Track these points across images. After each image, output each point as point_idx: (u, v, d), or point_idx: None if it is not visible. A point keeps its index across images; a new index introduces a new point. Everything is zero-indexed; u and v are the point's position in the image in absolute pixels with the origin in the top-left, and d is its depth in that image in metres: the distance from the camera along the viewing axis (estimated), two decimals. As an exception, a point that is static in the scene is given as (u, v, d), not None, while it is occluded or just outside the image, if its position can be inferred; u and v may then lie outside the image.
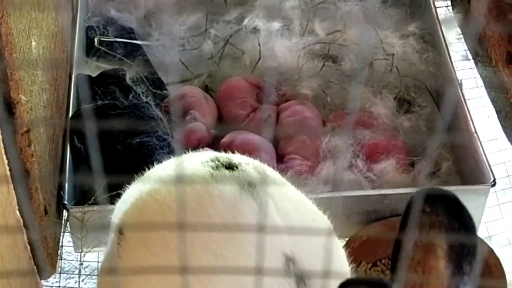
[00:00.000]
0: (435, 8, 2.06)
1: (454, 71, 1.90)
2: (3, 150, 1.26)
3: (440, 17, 2.04)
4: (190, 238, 1.03)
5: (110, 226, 1.24)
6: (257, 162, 1.22)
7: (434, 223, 0.84)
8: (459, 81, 1.88)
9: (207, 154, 1.22)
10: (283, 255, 1.04)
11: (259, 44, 1.98)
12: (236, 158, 1.19)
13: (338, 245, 1.20)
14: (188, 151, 1.59)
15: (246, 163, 1.18)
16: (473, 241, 0.83)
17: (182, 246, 1.00)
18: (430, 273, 0.84)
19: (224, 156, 1.19)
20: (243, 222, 1.05)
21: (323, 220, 1.16)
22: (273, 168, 1.37)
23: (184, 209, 1.05)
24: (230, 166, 1.15)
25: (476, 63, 2.01)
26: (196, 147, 1.77)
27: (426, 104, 1.93)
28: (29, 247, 1.43)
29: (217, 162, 1.16)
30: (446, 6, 2.18)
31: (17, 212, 1.34)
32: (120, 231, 1.14)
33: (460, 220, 0.83)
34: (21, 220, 1.38)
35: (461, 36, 2.10)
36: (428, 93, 1.95)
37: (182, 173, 1.10)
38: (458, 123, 1.84)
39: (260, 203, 1.08)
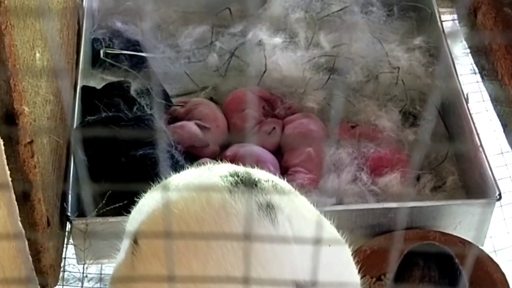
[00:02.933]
0: (441, 21, 2.06)
1: (460, 84, 1.89)
2: (5, 161, 1.25)
3: (446, 31, 2.04)
4: (204, 255, 1.02)
5: (125, 233, 1.22)
6: (276, 179, 1.20)
7: (425, 277, 0.85)
8: (465, 95, 1.87)
9: (226, 168, 1.19)
10: (295, 284, 1.02)
11: (265, 57, 1.98)
12: (255, 173, 1.17)
13: (354, 273, 1.17)
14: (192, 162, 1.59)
15: (266, 180, 1.15)
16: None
17: (195, 262, 0.99)
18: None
19: (243, 171, 1.16)
20: (258, 245, 1.03)
21: (339, 244, 1.14)
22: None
23: (201, 226, 1.04)
24: (249, 183, 1.13)
25: (482, 77, 2.00)
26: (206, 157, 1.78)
27: (432, 117, 1.92)
28: (31, 258, 1.43)
29: (236, 178, 1.13)
30: (452, 20, 2.18)
31: (19, 222, 1.34)
32: (135, 241, 1.13)
33: (451, 277, 0.84)
34: (23, 231, 1.38)
35: (467, 49, 2.09)
36: (434, 107, 1.95)
37: (201, 186, 1.09)
38: (463, 137, 1.83)
39: (278, 227, 1.07)
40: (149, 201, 1.19)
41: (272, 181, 1.16)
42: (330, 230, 1.16)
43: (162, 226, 1.09)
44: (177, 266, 1.02)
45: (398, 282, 0.87)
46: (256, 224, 1.05)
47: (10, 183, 1.28)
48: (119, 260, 1.19)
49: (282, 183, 1.20)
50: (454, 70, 1.92)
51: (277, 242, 1.03)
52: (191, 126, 1.86)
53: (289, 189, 1.20)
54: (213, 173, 1.18)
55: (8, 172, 1.27)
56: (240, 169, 1.18)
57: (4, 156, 1.25)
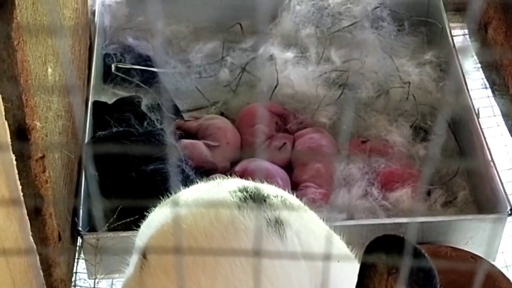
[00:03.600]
0: (452, 36, 2.06)
1: (471, 99, 1.89)
2: (17, 176, 1.26)
3: (457, 46, 2.04)
4: (213, 270, 1.02)
5: (134, 247, 1.22)
6: (285, 194, 1.19)
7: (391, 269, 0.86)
8: (476, 110, 1.87)
9: (235, 183, 1.19)
10: None
11: (276, 71, 1.99)
12: (264, 189, 1.16)
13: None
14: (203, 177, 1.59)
15: (275, 195, 1.15)
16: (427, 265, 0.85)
17: (204, 277, 0.99)
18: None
19: (252, 186, 1.16)
20: (267, 261, 1.03)
21: (348, 260, 1.13)
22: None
23: (210, 241, 1.04)
24: (258, 199, 1.12)
25: (493, 92, 2.00)
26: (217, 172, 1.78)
27: (442, 132, 1.92)
28: (42, 273, 1.43)
29: (245, 193, 1.13)
30: (463, 35, 2.18)
31: (31, 237, 1.34)
32: (144, 256, 1.13)
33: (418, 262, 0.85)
34: (35, 245, 1.38)
35: (478, 64, 2.09)
36: (444, 122, 1.94)
37: (210, 201, 1.09)
38: (475, 152, 1.83)
39: (286, 242, 1.06)
40: (158, 216, 1.19)
41: (281, 197, 1.16)
42: (339, 245, 1.15)
43: (171, 241, 1.09)
44: (186, 282, 1.02)
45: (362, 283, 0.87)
46: (264, 240, 1.05)
47: (22, 198, 1.28)
48: (128, 275, 1.19)
49: (291, 198, 1.20)
50: (465, 85, 1.92)
51: (286, 258, 1.03)
52: (200, 146, 1.86)
53: (298, 204, 1.20)
54: (222, 188, 1.18)
55: (20, 187, 1.27)
56: (249, 184, 1.18)
57: (16, 171, 1.25)
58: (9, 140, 1.21)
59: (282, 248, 1.05)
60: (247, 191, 1.14)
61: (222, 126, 1.92)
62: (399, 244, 0.85)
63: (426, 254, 0.86)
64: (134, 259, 1.18)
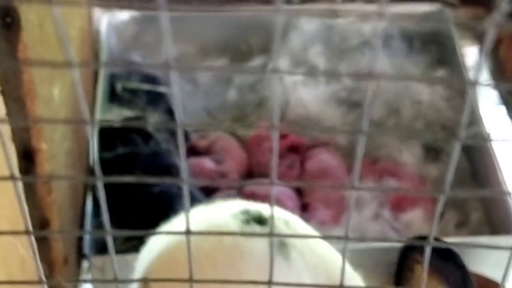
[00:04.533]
0: (463, 54, 2.04)
1: (482, 119, 1.87)
2: (23, 199, 1.24)
3: (468, 64, 2.02)
4: None
5: (134, 272, 1.20)
6: (288, 215, 1.17)
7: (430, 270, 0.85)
8: (488, 130, 1.85)
9: (237, 205, 1.15)
10: None
11: (285, 91, 1.97)
12: (266, 210, 1.13)
13: None
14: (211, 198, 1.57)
15: (277, 217, 1.13)
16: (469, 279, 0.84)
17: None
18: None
19: (254, 209, 1.12)
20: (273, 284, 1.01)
21: (354, 281, 1.11)
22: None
23: (214, 266, 1.01)
24: (260, 221, 1.09)
25: (507, 109, 1.97)
26: (220, 193, 1.76)
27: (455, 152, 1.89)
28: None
29: (247, 216, 1.10)
30: (474, 53, 2.15)
31: (38, 262, 1.32)
32: (145, 282, 1.10)
33: (453, 262, 0.84)
34: (42, 270, 1.36)
35: (491, 82, 2.07)
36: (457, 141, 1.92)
37: (211, 225, 1.07)
38: (487, 173, 1.80)
39: (291, 264, 1.04)
40: (160, 241, 1.16)
41: (284, 219, 1.13)
42: (345, 267, 1.13)
43: (174, 266, 1.07)
44: None
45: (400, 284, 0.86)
46: (269, 262, 1.02)
47: (30, 222, 1.26)
48: None
49: (295, 220, 1.17)
50: (476, 106, 1.89)
51: (305, 286, 1.00)
52: (207, 163, 1.84)
53: (302, 226, 1.18)
54: (223, 211, 1.14)
55: (27, 209, 1.25)
56: (251, 206, 1.14)
57: (22, 193, 1.23)
58: (15, 163, 1.19)
59: (288, 269, 1.03)
60: (249, 214, 1.10)
61: (227, 145, 1.90)
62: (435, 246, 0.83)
63: (458, 254, 0.85)
64: (134, 285, 1.16)
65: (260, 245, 1.04)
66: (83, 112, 0.41)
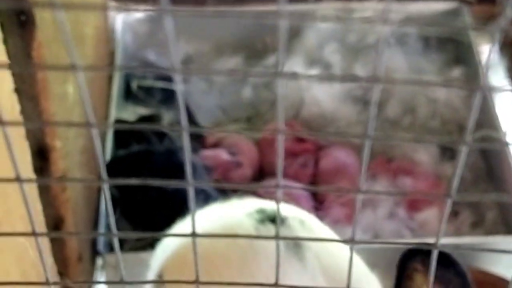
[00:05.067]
0: (480, 52, 2.02)
1: (498, 118, 1.85)
2: (37, 196, 1.24)
3: (484, 62, 2.00)
4: None
5: (149, 269, 1.20)
6: (304, 215, 1.16)
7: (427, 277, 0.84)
8: (504, 129, 1.83)
9: (252, 204, 1.15)
10: None
11: (300, 89, 1.96)
12: (283, 210, 1.12)
13: None
14: (225, 196, 1.56)
15: (293, 217, 1.11)
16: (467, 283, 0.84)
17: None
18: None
19: (270, 208, 1.11)
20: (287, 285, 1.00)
21: (370, 282, 1.10)
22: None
23: (228, 266, 1.01)
24: (276, 221, 1.10)
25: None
26: (234, 191, 1.75)
27: (471, 152, 1.88)
28: (61, 295, 1.41)
29: (262, 215, 1.09)
30: (491, 51, 2.13)
31: (51, 257, 1.32)
32: (160, 280, 1.10)
33: (453, 269, 0.83)
34: (55, 268, 1.36)
35: (508, 81, 2.05)
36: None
37: (226, 224, 1.06)
38: (503, 171, 1.79)
39: (306, 265, 1.03)
40: (174, 240, 1.16)
41: (299, 218, 1.12)
42: (360, 267, 1.12)
43: (188, 265, 1.06)
44: None
45: None
46: (284, 263, 1.02)
47: (44, 219, 1.27)
48: None
49: (310, 219, 1.16)
50: (492, 103, 1.88)
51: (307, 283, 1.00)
52: (222, 154, 1.84)
53: (317, 225, 1.17)
54: (238, 210, 1.13)
55: (40, 207, 1.25)
56: (267, 205, 1.13)
57: (36, 191, 1.24)
58: (29, 160, 1.19)
59: (303, 270, 1.02)
60: (264, 213, 1.09)
61: (240, 143, 1.90)
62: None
63: (458, 261, 0.85)
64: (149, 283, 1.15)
65: (275, 244, 1.04)
66: (88, 114, 0.40)
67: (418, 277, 0.84)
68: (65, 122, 1.39)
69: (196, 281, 0.48)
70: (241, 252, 1.04)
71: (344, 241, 0.77)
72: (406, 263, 0.85)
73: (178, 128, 0.42)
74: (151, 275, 1.16)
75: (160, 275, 1.10)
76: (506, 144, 1.80)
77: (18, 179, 0.42)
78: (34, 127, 1.21)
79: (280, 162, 0.44)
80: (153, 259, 1.20)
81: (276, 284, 0.48)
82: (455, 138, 1.83)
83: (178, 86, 0.42)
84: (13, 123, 0.48)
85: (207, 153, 1.84)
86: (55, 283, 0.48)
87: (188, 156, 0.42)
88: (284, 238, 0.89)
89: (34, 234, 0.45)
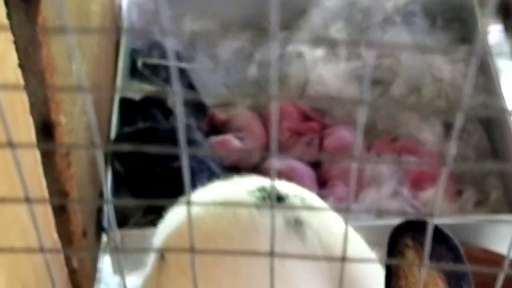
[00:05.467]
0: (486, 32, 2.01)
1: (503, 98, 1.85)
2: (41, 172, 1.25)
3: (491, 42, 2.00)
4: (234, 271, 1.00)
5: (151, 247, 1.21)
6: (305, 193, 1.16)
7: (420, 256, 0.84)
8: (509, 110, 1.83)
9: (254, 182, 1.16)
10: None
11: (306, 69, 1.96)
12: (283, 188, 1.14)
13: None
14: (230, 174, 1.57)
15: (294, 195, 1.13)
16: (462, 261, 0.84)
17: (225, 278, 0.97)
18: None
19: (271, 186, 1.13)
20: (287, 261, 1.01)
21: (369, 261, 1.11)
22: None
23: (229, 243, 1.02)
24: (277, 198, 1.10)
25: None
26: (239, 169, 1.76)
27: (475, 131, 1.88)
28: (66, 270, 1.42)
29: (263, 193, 1.11)
30: (498, 31, 2.13)
31: (55, 234, 1.33)
32: (162, 256, 1.11)
33: (445, 244, 0.84)
34: (59, 242, 1.37)
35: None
36: (477, 120, 1.91)
37: (228, 202, 1.07)
38: (507, 151, 1.79)
39: (306, 242, 1.04)
40: (177, 216, 1.16)
41: (301, 196, 1.13)
42: (360, 245, 1.13)
43: (187, 241, 1.07)
44: (207, 283, 1.00)
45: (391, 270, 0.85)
46: (284, 240, 1.02)
47: (47, 194, 1.27)
48: (146, 275, 1.18)
49: (311, 197, 1.17)
50: (498, 83, 1.87)
51: (305, 258, 1.01)
52: (231, 141, 1.84)
53: (318, 204, 1.17)
54: (239, 188, 1.15)
55: (45, 183, 1.26)
56: (268, 183, 1.15)
57: (41, 167, 1.24)
58: (34, 136, 1.20)
59: (303, 247, 1.03)
60: (265, 191, 1.11)
61: (248, 121, 1.90)
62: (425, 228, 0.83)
63: (451, 235, 0.85)
64: (151, 259, 1.16)
65: (276, 222, 1.04)
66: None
67: (409, 253, 0.84)
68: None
69: (192, 250, 0.49)
70: (243, 230, 1.05)
71: (339, 209, 0.77)
72: (397, 239, 0.85)
73: (172, 95, 0.42)
74: (154, 251, 1.17)
75: (162, 252, 1.11)
76: (507, 111, 1.80)
77: (10, 145, 0.42)
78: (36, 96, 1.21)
79: (274, 128, 0.44)
80: (156, 236, 1.21)
81: (271, 253, 0.48)
82: (449, 108, 1.83)
83: (168, 44, 0.42)
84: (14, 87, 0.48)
85: (216, 139, 1.84)
86: (51, 251, 0.48)
87: (181, 121, 0.42)
88: (282, 208, 0.89)
89: (27, 200, 0.45)
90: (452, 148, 0.48)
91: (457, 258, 0.84)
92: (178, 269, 1.06)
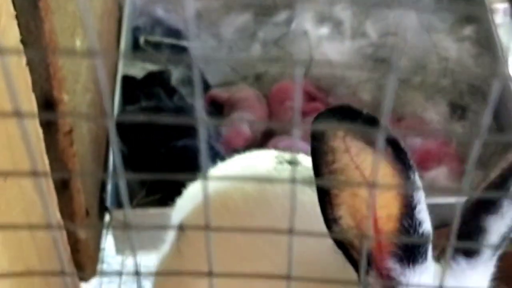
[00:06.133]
0: (492, 11, 1.99)
1: (510, 76, 1.83)
2: (44, 149, 1.24)
3: (497, 20, 1.98)
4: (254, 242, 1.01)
5: (171, 223, 1.22)
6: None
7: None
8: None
9: (272, 153, 1.21)
10: None
11: (310, 47, 1.94)
12: (300, 157, 1.16)
13: None
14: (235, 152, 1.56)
15: (307, 168, 1.15)
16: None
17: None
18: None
19: (288, 155, 1.18)
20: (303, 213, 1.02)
21: None
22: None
23: (248, 206, 1.03)
24: (292, 162, 1.14)
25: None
26: (242, 148, 1.74)
27: (481, 110, 1.86)
28: (69, 249, 1.41)
29: (280, 158, 1.16)
30: (504, 9, 2.11)
31: (57, 212, 1.32)
32: (182, 229, 1.11)
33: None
34: (62, 221, 1.36)
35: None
36: (483, 99, 1.89)
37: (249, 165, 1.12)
38: (513, 130, 1.78)
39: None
40: (196, 191, 1.17)
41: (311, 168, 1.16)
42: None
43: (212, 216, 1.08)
44: (228, 253, 1.00)
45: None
46: (300, 192, 1.03)
47: (49, 171, 1.26)
48: (164, 251, 1.18)
49: None
50: (505, 62, 1.86)
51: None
52: (241, 127, 1.83)
53: None
54: (259, 157, 1.20)
55: (47, 161, 1.25)
56: (286, 154, 1.19)
57: (43, 145, 1.23)
58: (36, 112, 1.18)
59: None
60: (282, 157, 1.16)
61: (250, 99, 1.88)
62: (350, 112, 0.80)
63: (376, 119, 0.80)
64: (171, 235, 1.17)
65: (286, 190, 1.05)
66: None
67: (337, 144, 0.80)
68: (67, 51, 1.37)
69: (207, 227, 0.47)
70: (261, 189, 1.08)
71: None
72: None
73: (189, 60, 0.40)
74: (174, 227, 1.18)
75: (182, 226, 1.12)
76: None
77: (17, 114, 0.41)
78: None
79: (297, 98, 0.43)
80: (175, 212, 1.21)
81: (290, 230, 0.47)
82: (466, 97, 1.81)
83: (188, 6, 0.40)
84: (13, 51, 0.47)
85: (229, 130, 1.82)
86: (59, 227, 0.47)
87: (198, 91, 0.40)
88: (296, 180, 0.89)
89: (34, 174, 0.44)
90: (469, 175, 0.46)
91: (398, 150, 0.83)
92: (198, 238, 1.06)
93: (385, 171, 0.79)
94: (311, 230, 0.99)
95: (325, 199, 0.83)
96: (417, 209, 0.82)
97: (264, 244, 1.01)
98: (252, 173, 1.11)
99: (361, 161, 0.80)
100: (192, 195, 1.19)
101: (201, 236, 1.04)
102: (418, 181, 0.83)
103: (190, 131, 1.65)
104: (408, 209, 0.82)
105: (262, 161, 1.16)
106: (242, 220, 1.05)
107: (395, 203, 0.81)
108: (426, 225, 0.83)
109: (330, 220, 0.82)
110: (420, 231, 0.82)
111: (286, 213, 0.48)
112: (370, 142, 0.80)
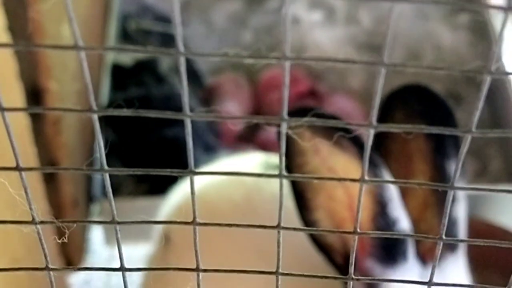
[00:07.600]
0: (487, -1, 1.98)
1: (504, 66, 1.81)
2: (30, 141, 1.21)
3: (493, 8, 1.96)
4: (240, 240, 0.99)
5: (156, 221, 1.19)
6: None
7: (409, 115, 0.83)
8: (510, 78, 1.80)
9: (258, 158, 1.16)
10: None
11: (302, 34, 1.92)
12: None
13: None
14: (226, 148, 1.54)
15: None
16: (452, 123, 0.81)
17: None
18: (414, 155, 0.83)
19: (272, 160, 1.13)
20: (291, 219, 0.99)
21: None
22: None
23: (236, 215, 1.00)
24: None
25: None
26: (231, 140, 1.72)
27: (476, 99, 1.84)
28: (57, 239, 1.39)
29: (266, 165, 1.11)
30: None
31: (46, 203, 1.30)
32: (167, 238, 1.09)
33: (436, 107, 0.81)
34: (50, 212, 1.33)
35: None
36: (478, 88, 1.87)
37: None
38: (508, 120, 1.76)
39: None
40: (180, 193, 1.14)
41: None
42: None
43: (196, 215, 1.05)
44: (213, 254, 0.98)
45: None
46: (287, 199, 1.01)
47: (36, 162, 1.23)
48: (149, 255, 1.15)
49: None
50: (500, 51, 1.84)
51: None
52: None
53: None
54: (244, 162, 1.16)
55: (35, 151, 1.22)
56: (271, 158, 1.14)
57: (31, 134, 1.20)
58: (23, 102, 1.15)
59: None
60: (268, 163, 1.10)
61: (234, 87, 1.84)
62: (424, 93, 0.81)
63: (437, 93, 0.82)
64: (156, 233, 1.14)
65: (274, 198, 1.02)
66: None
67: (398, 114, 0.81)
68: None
69: (194, 222, 0.45)
70: (239, 210, 1.03)
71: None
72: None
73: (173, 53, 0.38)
74: (156, 232, 1.14)
75: (166, 233, 1.08)
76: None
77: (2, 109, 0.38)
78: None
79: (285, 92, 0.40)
80: (159, 215, 1.18)
81: (278, 225, 0.45)
82: (461, 86, 1.79)
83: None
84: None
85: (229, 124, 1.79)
86: (42, 222, 0.44)
87: (185, 85, 0.38)
88: (287, 177, 0.86)
89: (17, 169, 0.41)
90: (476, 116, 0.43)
91: (446, 114, 0.82)
92: (184, 244, 1.03)
93: (355, 172, 0.77)
94: (299, 227, 0.98)
95: (301, 203, 0.81)
96: (389, 207, 0.79)
97: (253, 258, 0.98)
98: (239, 183, 1.06)
99: (334, 162, 0.78)
100: (176, 197, 1.15)
101: (186, 242, 1.02)
102: (388, 178, 0.81)
103: (179, 120, 1.62)
104: (380, 207, 0.79)
105: (248, 169, 1.11)
106: (229, 230, 1.02)
107: (368, 203, 0.79)
108: (403, 224, 0.80)
109: (308, 225, 0.80)
110: (395, 230, 0.80)
111: (274, 222, 0.47)
112: (336, 143, 0.78)
